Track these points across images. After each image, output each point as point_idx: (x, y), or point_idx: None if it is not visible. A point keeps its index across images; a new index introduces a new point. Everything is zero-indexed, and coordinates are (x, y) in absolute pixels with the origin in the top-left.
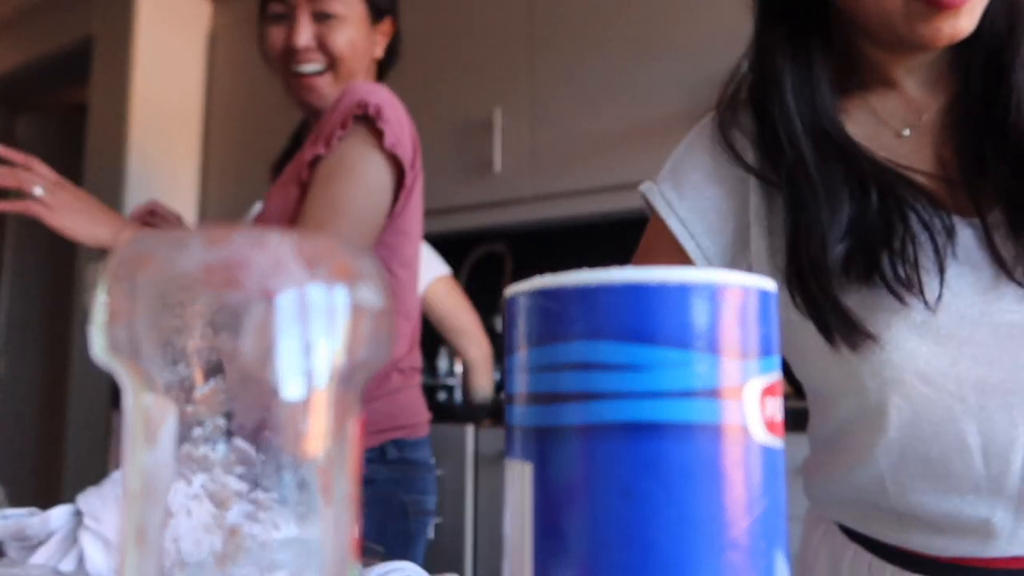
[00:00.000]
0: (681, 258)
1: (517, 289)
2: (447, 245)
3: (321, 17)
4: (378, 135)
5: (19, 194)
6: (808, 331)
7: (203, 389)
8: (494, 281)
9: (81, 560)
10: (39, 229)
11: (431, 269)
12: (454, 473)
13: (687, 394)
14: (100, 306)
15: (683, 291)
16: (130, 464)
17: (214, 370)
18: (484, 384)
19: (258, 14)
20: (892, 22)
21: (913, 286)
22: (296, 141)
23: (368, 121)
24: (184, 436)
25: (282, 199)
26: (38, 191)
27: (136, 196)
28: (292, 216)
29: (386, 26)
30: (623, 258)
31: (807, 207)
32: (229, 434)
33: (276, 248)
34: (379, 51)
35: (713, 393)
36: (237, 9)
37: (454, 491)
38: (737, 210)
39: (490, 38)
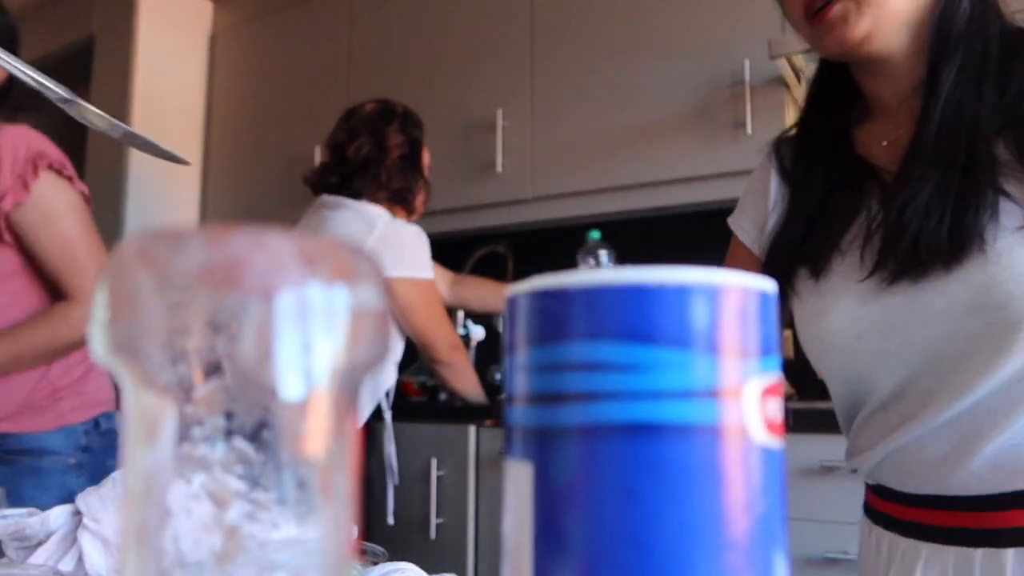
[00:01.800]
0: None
1: (517, 289)
2: (449, 245)
3: None
4: (68, 180)
5: None
6: None
7: (203, 389)
8: (496, 281)
9: (80, 560)
10: None
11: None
12: (455, 473)
13: (687, 394)
14: (100, 305)
15: (683, 291)
16: (130, 464)
17: (214, 370)
18: (466, 387)
19: None
20: (814, 46)
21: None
22: None
23: (53, 169)
24: (184, 436)
25: None
26: None
27: (137, 196)
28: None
29: None
30: (624, 258)
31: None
32: (229, 434)
33: (276, 248)
34: None
35: (713, 393)
36: (238, 10)
37: (455, 491)
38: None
39: (493, 40)
